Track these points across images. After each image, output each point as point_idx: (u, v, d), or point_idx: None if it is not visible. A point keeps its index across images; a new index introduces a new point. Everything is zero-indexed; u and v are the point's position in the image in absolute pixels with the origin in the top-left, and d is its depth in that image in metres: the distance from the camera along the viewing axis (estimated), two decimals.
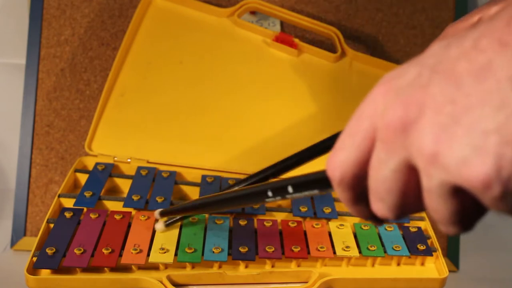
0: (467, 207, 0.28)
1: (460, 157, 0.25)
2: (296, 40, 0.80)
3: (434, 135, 0.26)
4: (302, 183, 0.39)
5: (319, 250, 0.63)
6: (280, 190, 0.41)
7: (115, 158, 0.75)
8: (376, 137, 0.30)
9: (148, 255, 0.59)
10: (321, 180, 0.36)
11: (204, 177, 0.74)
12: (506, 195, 0.25)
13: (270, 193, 0.42)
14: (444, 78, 0.27)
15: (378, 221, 0.34)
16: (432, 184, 0.27)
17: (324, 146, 0.65)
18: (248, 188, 0.48)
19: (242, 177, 0.75)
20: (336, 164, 0.32)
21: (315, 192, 0.38)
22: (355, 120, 0.31)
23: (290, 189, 0.40)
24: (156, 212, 0.63)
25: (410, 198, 0.30)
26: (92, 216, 0.64)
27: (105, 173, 0.72)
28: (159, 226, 0.63)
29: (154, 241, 0.61)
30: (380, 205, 0.31)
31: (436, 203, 0.28)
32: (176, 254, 0.60)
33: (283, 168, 0.65)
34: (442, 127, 0.26)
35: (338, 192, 0.33)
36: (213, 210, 0.61)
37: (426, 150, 0.26)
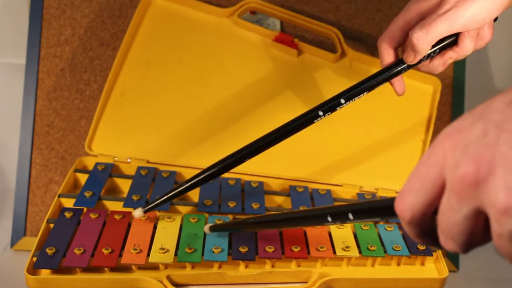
0: None
1: None
2: (296, 40, 0.80)
3: (506, 191, 0.29)
4: (363, 211, 0.42)
5: (319, 250, 0.62)
6: (340, 216, 0.44)
7: (115, 158, 0.75)
8: (446, 186, 0.33)
9: (148, 255, 0.59)
10: (385, 211, 0.40)
11: None
12: None
13: (329, 218, 0.45)
14: (511, 137, 0.30)
15: (448, 250, 0.38)
16: (503, 230, 0.31)
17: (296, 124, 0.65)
18: (308, 210, 0.52)
19: (242, 177, 0.75)
20: (406, 206, 0.35)
21: (378, 220, 0.41)
22: (424, 166, 0.34)
23: (350, 216, 0.42)
24: (206, 227, 0.62)
25: (477, 237, 0.33)
26: (92, 216, 0.64)
27: (105, 173, 0.72)
28: (137, 212, 0.62)
29: (154, 241, 0.61)
30: (451, 243, 0.34)
31: (505, 244, 0.31)
32: (176, 254, 0.60)
33: (257, 148, 0.65)
34: None
35: (405, 228, 0.36)
36: (267, 228, 0.62)
37: (500, 204, 0.30)
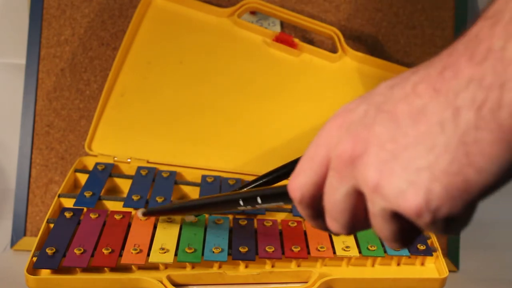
0: (405, 227, 0.32)
1: (398, 189, 0.30)
2: (296, 40, 0.80)
3: (376, 169, 0.31)
4: (268, 196, 0.43)
5: (319, 250, 0.62)
6: (250, 200, 0.46)
7: (115, 158, 0.75)
8: (329, 165, 0.34)
9: (148, 255, 0.59)
10: (284, 195, 0.40)
11: (204, 177, 0.74)
12: (435, 221, 0.30)
13: (241, 202, 0.47)
14: (387, 118, 0.31)
15: (334, 234, 0.38)
16: (375, 209, 0.32)
17: None
18: (222, 195, 0.53)
19: (242, 177, 0.75)
20: (296, 185, 0.36)
21: (281, 203, 0.42)
22: (313, 146, 0.35)
23: (259, 199, 0.44)
24: (139, 212, 0.64)
25: (359, 218, 0.34)
26: (92, 216, 0.64)
27: (105, 173, 0.72)
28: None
29: (154, 241, 0.61)
30: (334, 223, 0.35)
31: (380, 225, 0.33)
32: (176, 254, 0.60)
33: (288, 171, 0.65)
34: (383, 162, 0.30)
35: (298, 209, 0.37)
36: (190, 213, 0.63)
37: (370, 181, 0.31)
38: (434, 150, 0.29)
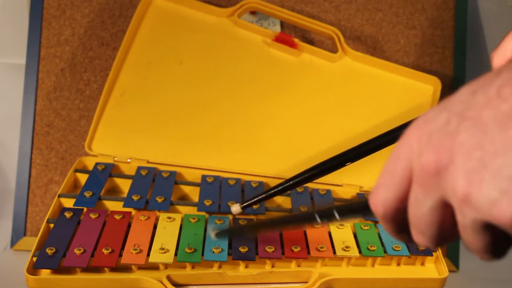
0: (498, 238, 0.31)
1: (490, 198, 0.28)
2: (296, 40, 0.80)
3: (465, 178, 0.29)
4: (347, 211, 0.42)
5: (319, 250, 0.62)
6: (327, 216, 0.44)
7: (115, 158, 0.75)
8: (412, 178, 0.33)
9: (148, 255, 0.59)
10: (364, 209, 0.39)
11: (204, 177, 0.74)
12: None
13: (318, 218, 0.45)
14: (471, 125, 0.30)
15: (416, 244, 0.38)
16: (466, 221, 0.30)
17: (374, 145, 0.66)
18: (298, 214, 0.54)
19: (242, 177, 0.75)
20: (378, 200, 0.35)
21: (360, 217, 0.42)
22: (393, 160, 0.34)
23: (336, 215, 0.43)
24: (212, 234, 0.61)
25: (447, 230, 0.33)
26: (92, 216, 0.64)
27: (105, 173, 0.72)
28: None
29: (154, 241, 0.61)
30: (420, 237, 0.34)
31: (471, 237, 0.31)
32: (176, 254, 0.60)
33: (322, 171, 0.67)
34: (472, 172, 0.29)
35: (382, 224, 0.36)
36: (266, 232, 0.64)
37: (459, 192, 0.29)
38: None
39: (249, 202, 0.65)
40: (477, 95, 0.31)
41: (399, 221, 0.35)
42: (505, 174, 0.28)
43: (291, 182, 0.66)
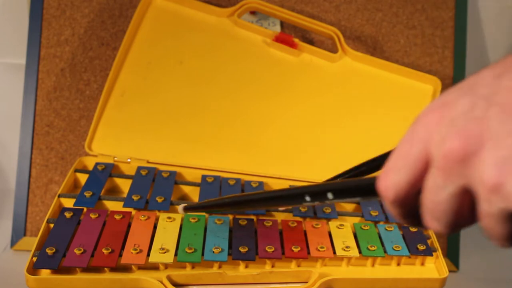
0: None
1: None
2: (296, 40, 0.80)
3: (496, 167, 0.28)
4: (344, 190, 0.39)
5: (319, 250, 0.62)
6: (319, 195, 0.42)
7: (115, 158, 0.75)
8: (431, 163, 0.31)
9: (148, 255, 0.59)
10: (366, 190, 0.37)
11: (204, 177, 0.74)
12: None
13: (308, 198, 0.42)
14: (501, 111, 0.28)
15: (425, 228, 0.36)
16: (492, 209, 0.29)
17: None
18: (285, 189, 0.48)
19: (242, 177, 0.75)
20: (389, 184, 0.33)
21: (357, 199, 0.39)
22: (407, 143, 0.32)
23: (330, 195, 0.40)
24: (180, 207, 0.62)
25: (463, 216, 0.32)
26: (92, 216, 0.64)
27: (105, 173, 0.72)
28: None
29: (154, 241, 0.61)
30: (435, 223, 0.33)
31: (494, 225, 0.30)
32: (176, 254, 0.60)
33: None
34: (503, 160, 0.28)
35: (389, 208, 0.35)
36: (243, 208, 0.60)
37: (489, 180, 0.28)
38: None
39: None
40: (504, 79, 0.29)
41: (408, 205, 0.34)
42: None
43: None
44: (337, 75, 0.81)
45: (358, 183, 0.39)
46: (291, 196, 0.46)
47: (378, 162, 0.64)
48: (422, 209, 0.33)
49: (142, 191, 0.69)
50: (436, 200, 0.31)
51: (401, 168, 0.33)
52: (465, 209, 0.32)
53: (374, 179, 0.35)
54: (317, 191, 0.42)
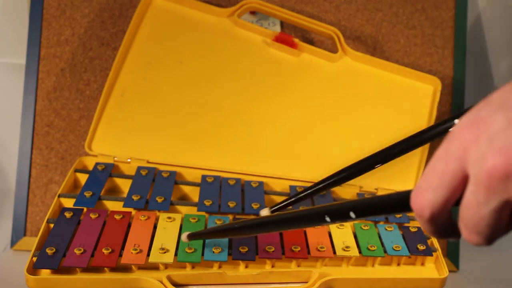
0: None
1: None
2: (296, 40, 0.80)
3: None
4: (368, 208, 0.39)
5: (319, 250, 0.62)
6: (340, 215, 0.41)
7: (115, 158, 0.75)
8: (470, 181, 0.32)
9: (148, 255, 0.59)
10: (396, 207, 0.37)
11: (204, 177, 0.74)
12: None
13: (328, 219, 0.41)
14: None
15: (457, 240, 0.37)
16: None
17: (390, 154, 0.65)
18: (303, 211, 0.45)
19: (242, 177, 0.75)
20: (425, 203, 0.33)
21: (382, 216, 0.38)
22: (442, 161, 0.33)
23: (352, 214, 0.39)
24: (184, 236, 0.58)
25: (503, 228, 0.33)
26: (92, 216, 0.64)
27: (105, 173, 0.72)
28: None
29: (154, 241, 0.61)
30: (475, 237, 0.33)
31: None
32: (176, 254, 0.60)
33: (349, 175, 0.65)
34: None
35: (424, 226, 0.35)
36: (256, 233, 0.58)
37: None
38: None
39: (279, 206, 0.64)
40: None
41: (443, 222, 0.34)
42: None
43: (319, 186, 0.65)
44: (337, 75, 0.81)
45: (385, 201, 0.38)
46: (310, 218, 0.44)
47: (367, 163, 0.65)
48: (460, 224, 0.34)
49: (142, 191, 0.69)
50: (477, 216, 0.32)
51: (438, 187, 0.33)
52: (504, 221, 0.32)
53: (404, 195, 0.35)
54: (338, 211, 0.41)
